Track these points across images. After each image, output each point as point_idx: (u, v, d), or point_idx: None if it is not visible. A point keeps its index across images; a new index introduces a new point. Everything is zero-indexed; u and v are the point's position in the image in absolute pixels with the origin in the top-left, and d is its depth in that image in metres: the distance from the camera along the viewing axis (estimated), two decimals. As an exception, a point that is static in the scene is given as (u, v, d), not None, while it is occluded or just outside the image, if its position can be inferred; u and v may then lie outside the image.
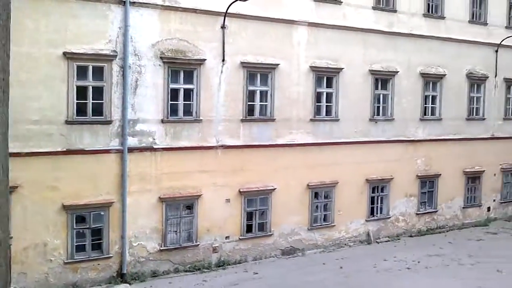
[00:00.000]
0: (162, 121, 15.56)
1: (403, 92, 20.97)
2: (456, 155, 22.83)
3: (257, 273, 16.48)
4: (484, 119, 23.92)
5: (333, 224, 19.57)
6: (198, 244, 16.57)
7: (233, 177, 17.02)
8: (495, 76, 23.99)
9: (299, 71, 18.25)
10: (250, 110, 17.33)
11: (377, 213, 20.92)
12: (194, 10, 15.81)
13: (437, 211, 22.68)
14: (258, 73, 17.43)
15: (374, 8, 19.97)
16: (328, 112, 19.17)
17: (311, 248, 19.04)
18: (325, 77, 18.97)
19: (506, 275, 16.87)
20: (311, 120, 18.64)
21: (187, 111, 16.10)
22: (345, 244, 19.84)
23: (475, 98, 23.62)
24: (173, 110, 15.83)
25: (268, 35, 17.35)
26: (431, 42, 21.68)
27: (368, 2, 19.81)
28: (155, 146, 15.52)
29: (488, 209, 24.59)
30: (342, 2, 19.04)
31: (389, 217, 21.17)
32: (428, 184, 22.43)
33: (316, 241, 19.22)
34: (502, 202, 25.17)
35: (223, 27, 16.35)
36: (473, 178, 23.95)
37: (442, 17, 22.01)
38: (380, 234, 20.89)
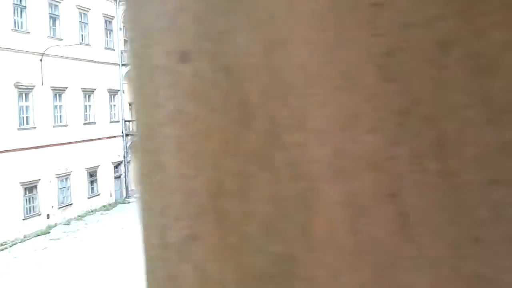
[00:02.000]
0: None
1: None
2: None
3: None
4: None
5: None
6: None
7: None
8: (42, 84, 24.17)
9: None
10: None
11: None
12: None
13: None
14: None
15: None
16: None
17: None
18: None
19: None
20: None
21: None
22: None
23: (24, 107, 23.31)
24: None
25: None
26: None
27: None
28: None
29: (48, 216, 24.64)
30: None
31: None
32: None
33: None
34: (60, 207, 25.63)
35: None
36: (30, 188, 23.60)
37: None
38: None
